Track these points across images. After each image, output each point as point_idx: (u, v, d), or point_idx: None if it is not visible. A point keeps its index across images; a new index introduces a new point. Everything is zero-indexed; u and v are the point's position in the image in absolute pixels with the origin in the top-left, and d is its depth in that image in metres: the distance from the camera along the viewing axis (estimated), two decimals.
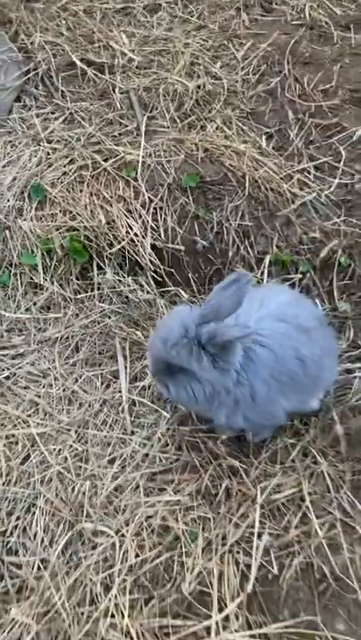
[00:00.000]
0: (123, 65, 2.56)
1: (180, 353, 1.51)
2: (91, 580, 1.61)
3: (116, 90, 2.46)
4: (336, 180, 2.29)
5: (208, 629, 1.54)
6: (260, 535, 1.68)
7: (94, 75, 2.52)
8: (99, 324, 2.08)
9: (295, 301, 1.82)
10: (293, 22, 2.69)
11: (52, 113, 2.43)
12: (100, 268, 2.16)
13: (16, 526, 1.70)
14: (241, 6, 2.74)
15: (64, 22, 2.66)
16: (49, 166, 2.25)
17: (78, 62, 2.53)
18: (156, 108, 2.43)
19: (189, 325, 1.52)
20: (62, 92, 2.47)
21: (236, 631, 1.53)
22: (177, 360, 1.52)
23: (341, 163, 2.33)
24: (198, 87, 2.48)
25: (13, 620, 1.56)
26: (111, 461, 1.82)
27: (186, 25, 2.73)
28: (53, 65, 2.52)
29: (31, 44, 2.57)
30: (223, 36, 2.66)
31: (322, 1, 2.75)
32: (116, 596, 1.58)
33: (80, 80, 2.53)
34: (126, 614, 1.55)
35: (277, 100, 2.47)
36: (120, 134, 2.35)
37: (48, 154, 2.28)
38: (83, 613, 1.57)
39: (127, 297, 2.14)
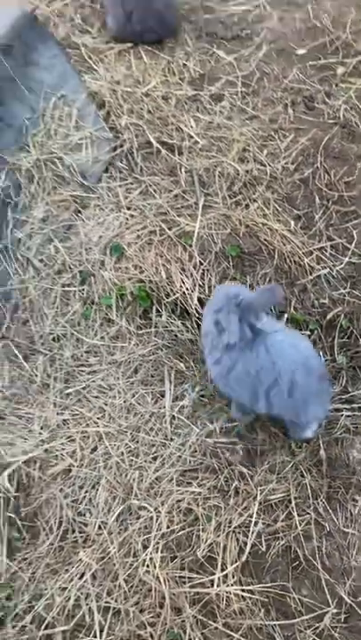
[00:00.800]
0: (189, 147, 3.22)
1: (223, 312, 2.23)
2: (135, 540, 2.30)
3: (182, 169, 3.14)
4: (346, 259, 2.92)
5: (212, 582, 2.22)
6: (255, 523, 2.35)
7: (166, 154, 3.20)
8: (153, 354, 2.77)
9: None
10: (329, 121, 3.32)
11: (132, 184, 3.12)
12: (157, 311, 2.84)
13: (84, 497, 2.41)
14: (289, 103, 3.38)
15: (145, 106, 3.35)
16: (127, 229, 2.95)
17: (154, 142, 3.21)
18: (212, 187, 3.09)
19: (231, 298, 2.22)
20: (140, 167, 3.16)
21: (231, 585, 2.22)
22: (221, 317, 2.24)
23: (353, 244, 2.96)
24: (247, 171, 3.13)
25: (80, 560, 2.27)
26: (154, 458, 2.51)
27: (242, 114, 3.38)
28: (135, 143, 3.21)
29: (119, 124, 3.27)
30: (271, 127, 3.30)
31: (355, 103, 3.37)
32: (151, 553, 2.27)
33: (155, 157, 3.21)
34: (157, 566, 2.24)
35: (308, 187, 3.11)
36: (182, 207, 3.02)
37: (127, 219, 2.97)
38: (127, 562, 2.27)
39: (176, 335, 2.82)
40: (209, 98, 3.45)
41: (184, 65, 3.57)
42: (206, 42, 3.68)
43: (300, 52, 3.58)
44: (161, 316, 2.84)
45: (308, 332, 2.84)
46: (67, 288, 2.86)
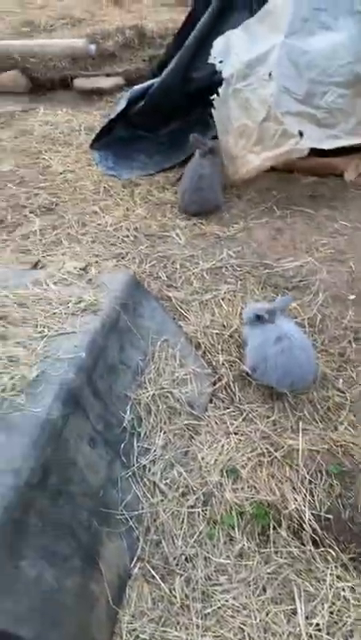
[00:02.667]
0: None
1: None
2: None
3: (274, 396, 3.66)
4: None
5: None
6: None
7: (257, 384, 3.75)
8: (277, 573, 2.98)
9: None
10: None
11: (234, 412, 3.61)
12: (275, 528, 3.12)
13: None
14: (351, 339, 4.04)
15: (233, 345, 3.98)
16: (237, 452, 3.35)
17: (247, 376, 3.78)
18: (302, 411, 3.59)
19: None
20: (239, 397, 3.68)
21: None
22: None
23: None
24: (328, 397, 3.65)
25: None
26: None
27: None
28: (230, 377, 3.77)
29: (215, 361, 3.86)
30: (341, 360, 3.92)
31: None
32: None
33: (249, 387, 3.75)
34: None
35: None
36: (281, 430, 3.47)
37: (236, 443, 3.40)
38: None
39: (293, 552, 3.06)
40: None
41: None
42: (271, 291, 4.47)
43: (351, 297, 4.36)
44: (279, 533, 3.10)
45: None
46: (191, 509, 3.16)
